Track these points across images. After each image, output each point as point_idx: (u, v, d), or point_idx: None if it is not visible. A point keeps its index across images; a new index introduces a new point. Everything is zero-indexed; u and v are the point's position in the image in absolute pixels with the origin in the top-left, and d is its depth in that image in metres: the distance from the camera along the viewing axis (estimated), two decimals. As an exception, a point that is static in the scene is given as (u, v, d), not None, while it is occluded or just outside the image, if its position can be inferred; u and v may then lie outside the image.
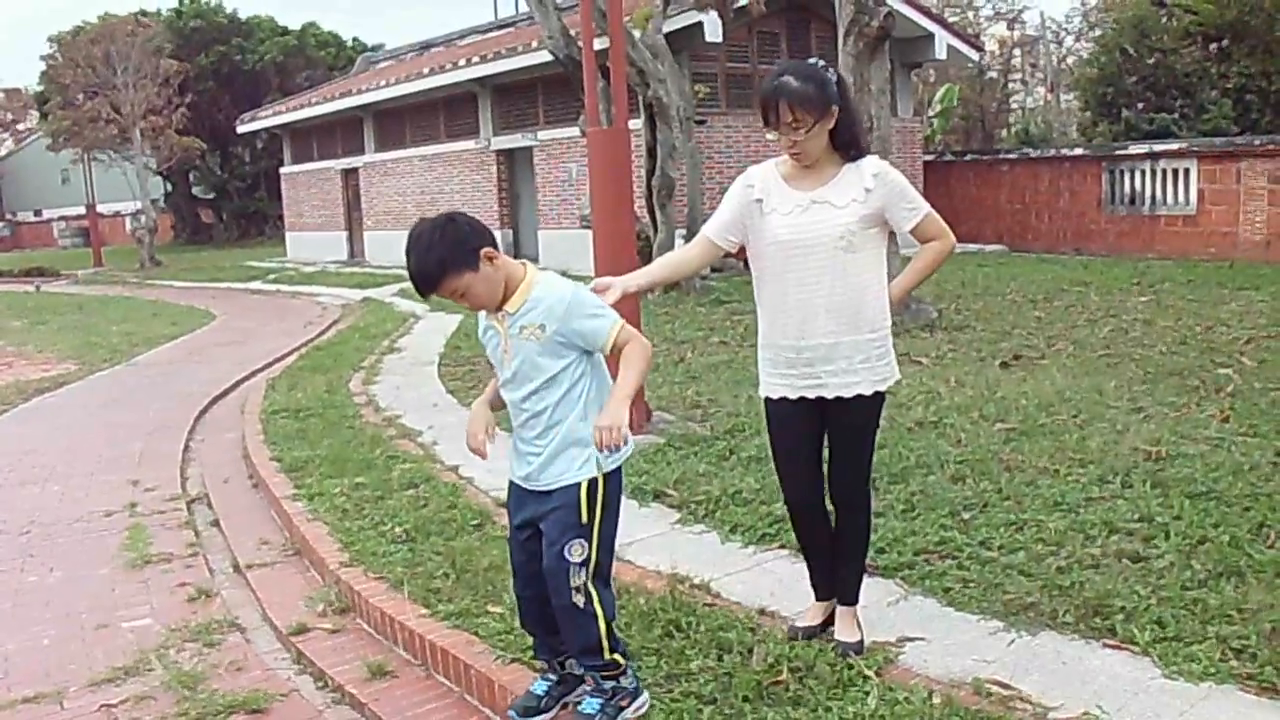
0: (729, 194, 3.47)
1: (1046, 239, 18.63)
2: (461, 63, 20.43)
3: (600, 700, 3.12)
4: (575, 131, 16.91)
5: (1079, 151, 18.41)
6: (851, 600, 3.56)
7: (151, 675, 4.01)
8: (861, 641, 3.47)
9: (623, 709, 3.13)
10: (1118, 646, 3.42)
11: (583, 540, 2.99)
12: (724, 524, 4.79)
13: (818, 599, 3.67)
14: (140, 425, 8.60)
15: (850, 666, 3.30)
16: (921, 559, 4.17)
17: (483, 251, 2.92)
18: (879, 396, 3.41)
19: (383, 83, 23.55)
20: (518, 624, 3.81)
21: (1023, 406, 6.46)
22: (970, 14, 39.32)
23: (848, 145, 3.30)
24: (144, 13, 35.09)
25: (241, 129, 30.73)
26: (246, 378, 10.64)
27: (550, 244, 19.49)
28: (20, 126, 54.50)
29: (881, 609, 3.77)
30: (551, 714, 3.24)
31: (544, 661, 3.29)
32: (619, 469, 3.11)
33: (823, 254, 3.26)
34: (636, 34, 13.10)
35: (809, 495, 3.54)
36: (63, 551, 5.57)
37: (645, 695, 3.18)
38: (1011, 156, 19.63)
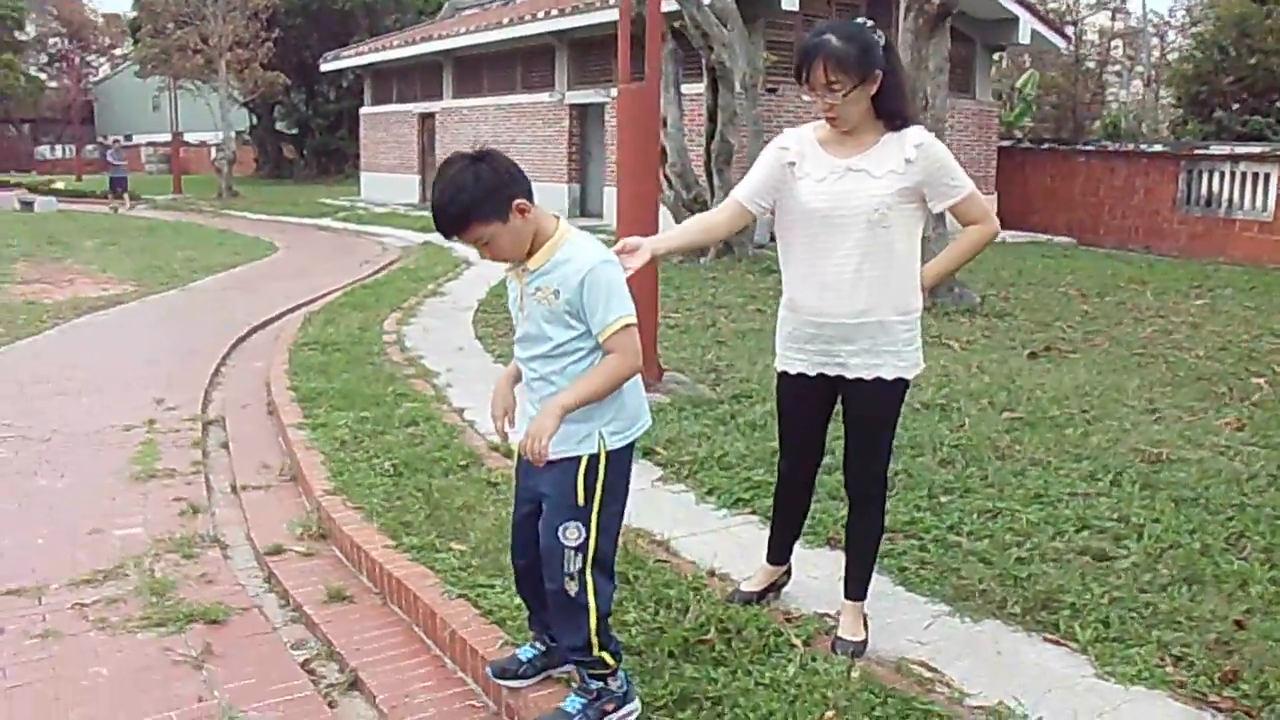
0: (762, 155, 3.31)
1: (1117, 234, 18.21)
2: (540, 15, 20.45)
3: (584, 700, 2.88)
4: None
5: (1158, 148, 17.94)
6: (859, 595, 3.38)
7: (127, 580, 4.16)
8: (865, 642, 3.28)
9: (607, 713, 2.87)
10: (1058, 642, 3.39)
11: (579, 524, 2.77)
12: (703, 485, 4.82)
13: (768, 561, 3.62)
14: (178, 348, 8.84)
15: (778, 634, 3.31)
16: (886, 537, 4.14)
17: (516, 203, 2.66)
18: (901, 383, 3.22)
19: (463, 30, 23.68)
20: (476, 562, 3.94)
21: (1036, 397, 6.38)
22: (1071, 1, 38.40)
23: (892, 114, 3.10)
24: (238, -54, 35.55)
25: (325, 67, 31.09)
26: (290, 310, 10.83)
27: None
28: (116, 52, 55.77)
29: (832, 581, 3.75)
30: (531, 681, 3.08)
31: (534, 632, 3.13)
32: (628, 447, 2.87)
33: (854, 225, 3.08)
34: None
35: (803, 471, 3.49)
36: (76, 460, 5.77)
37: (636, 704, 2.93)
38: (1089, 148, 19.17)
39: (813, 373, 3.25)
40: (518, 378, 2.95)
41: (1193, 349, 8.34)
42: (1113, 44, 40.57)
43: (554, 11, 20.08)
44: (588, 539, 2.78)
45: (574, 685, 2.96)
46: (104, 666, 3.50)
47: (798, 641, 3.28)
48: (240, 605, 3.97)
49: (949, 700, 3.00)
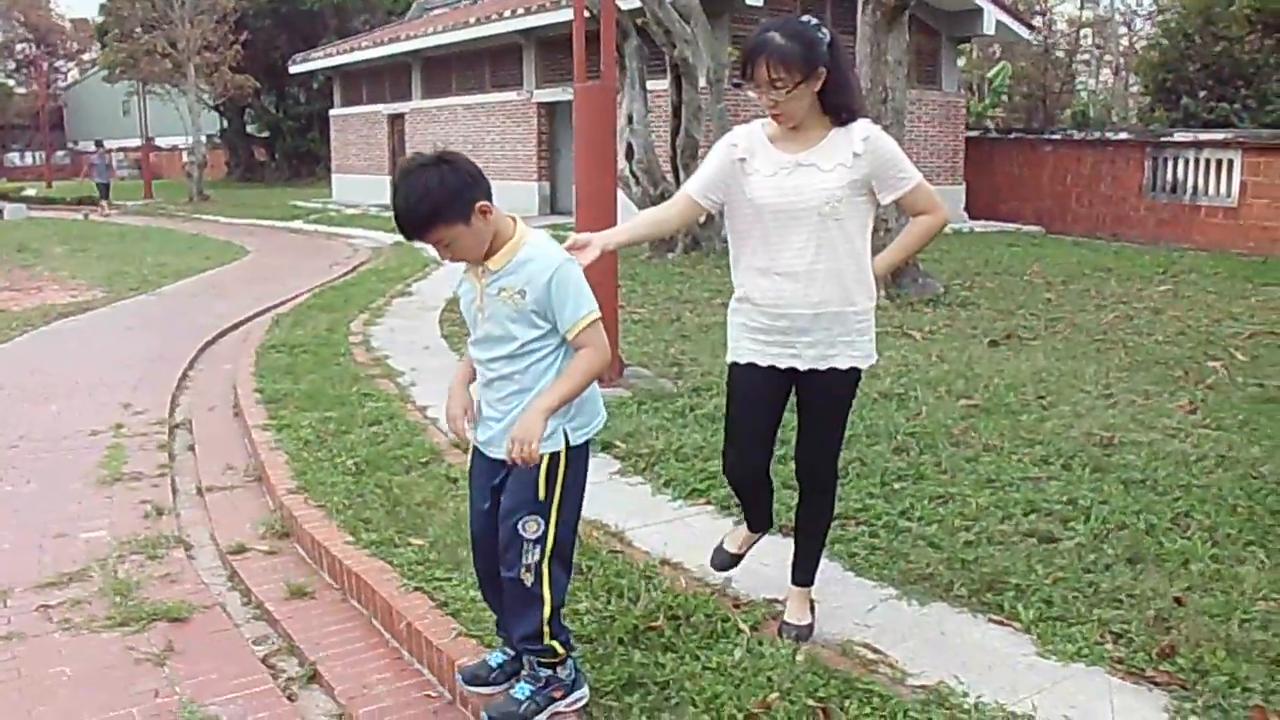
0: (712, 151, 3.32)
1: (1085, 223, 18.36)
2: (506, 14, 20.46)
3: (532, 687, 2.93)
4: (613, 88, 16.94)
5: (1123, 136, 18.09)
6: (806, 581, 3.44)
7: (91, 582, 4.20)
8: (811, 626, 3.36)
9: (554, 700, 2.93)
10: (1001, 622, 3.48)
11: (539, 517, 2.81)
12: (659, 477, 4.90)
13: (749, 530, 3.65)
14: (147, 353, 8.83)
15: (726, 619, 3.39)
16: (838, 524, 4.22)
17: (478, 204, 2.69)
18: (855, 373, 3.26)
19: (431, 30, 23.67)
20: (434, 556, 4.00)
21: (994, 384, 6.48)
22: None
23: (838, 109, 3.12)
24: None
25: (294, 69, 30.96)
26: (260, 313, 10.84)
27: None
28: (85, 57, 55.39)
29: (783, 568, 3.80)
30: (499, 688, 3.06)
31: (503, 636, 3.13)
32: (586, 444, 2.92)
33: (807, 219, 3.11)
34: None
35: (754, 470, 3.45)
36: (43, 466, 5.79)
37: (584, 690, 2.99)
38: (1055, 137, 19.33)
39: (764, 364, 3.26)
40: (472, 378, 2.98)
41: (1152, 334, 8.46)
42: (1082, 33, 40.87)
43: (520, 10, 20.10)
44: (546, 532, 2.82)
45: (523, 672, 2.99)
46: (67, 666, 3.55)
47: (745, 626, 3.35)
48: (203, 603, 4.02)
49: (891, 680, 3.08)
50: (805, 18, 3.15)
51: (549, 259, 2.76)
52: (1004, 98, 33.50)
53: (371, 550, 4.09)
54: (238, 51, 31.38)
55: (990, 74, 27.20)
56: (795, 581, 3.46)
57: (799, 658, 3.14)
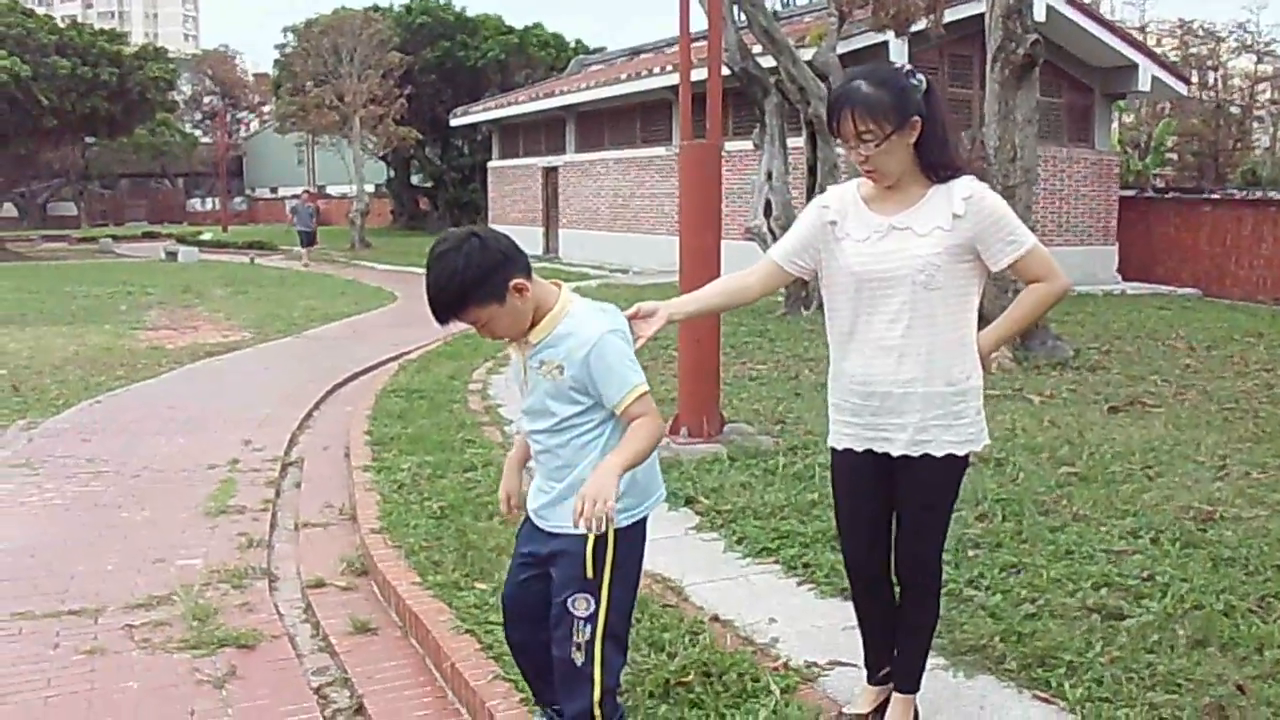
0: (802, 215, 3.10)
1: (1245, 286, 17.55)
2: (656, 70, 20.91)
3: None
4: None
5: (1287, 196, 17.29)
6: (910, 688, 3.14)
7: (175, 606, 4.46)
8: None
9: None
10: (1048, 700, 3.35)
11: (588, 596, 2.69)
12: (733, 534, 4.90)
13: (870, 682, 3.26)
14: (277, 392, 9.30)
15: (756, 679, 3.37)
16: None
17: (513, 283, 2.59)
18: (953, 461, 2.93)
19: (584, 85, 24.35)
20: (493, 601, 4.09)
21: (1100, 452, 6.25)
22: (1213, 44, 37.28)
23: (935, 166, 2.86)
24: (376, 8, 37.30)
25: (455, 122, 32.26)
26: (394, 358, 11.26)
27: (729, 253, 19.68)
28: (265, 109, 58.85)
29: (833, 633, 3.81)
30: None
31: (540, 705, 3.07)
32: (641, 523, 2.79)
33: (899, 288, 2.85)
34: (805, 53, 13.18)
35: (868, 563, 3.15)
36: (159, 496, 6.16)
37: None
38: (1214, 197, 18.60)
39: (860, 448, 3.01)
40: (527, 456, 2.90)
41: (1289, 406, 8.03)
42: (1258, 88, 39.18)
43: (669, 67, 20.50)
44: (597, 610, 2.70)
45: None
46: (136, 681, 3.79)
47: (776, 688, 3.32)
48: (272, 633, 4.21)
49: (915, 752, 3.02)
50: (897, 64, 2.94)
51: (589, 333, 2.63)
52: (1172, 156, 32.36)
53: (435, 591, 4.22)
54: (402, 105, 32.80)
55: (1158, 130, 26.36)
56: (899, 689, 3.14)
57: (821, 719, 3.11)
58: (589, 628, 2.70)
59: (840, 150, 3.05)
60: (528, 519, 2.87)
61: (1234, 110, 37.35)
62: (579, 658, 2.70)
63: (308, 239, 26.93)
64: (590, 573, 2.68)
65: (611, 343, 2.63)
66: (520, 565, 2.89)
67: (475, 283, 2.55)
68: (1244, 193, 18.59)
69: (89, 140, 44.41)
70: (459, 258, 2.55)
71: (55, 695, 3.68)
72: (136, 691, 3.71)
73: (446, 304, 2.59)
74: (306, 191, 31.26)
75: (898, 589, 3.14)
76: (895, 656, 3.16)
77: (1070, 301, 15.47)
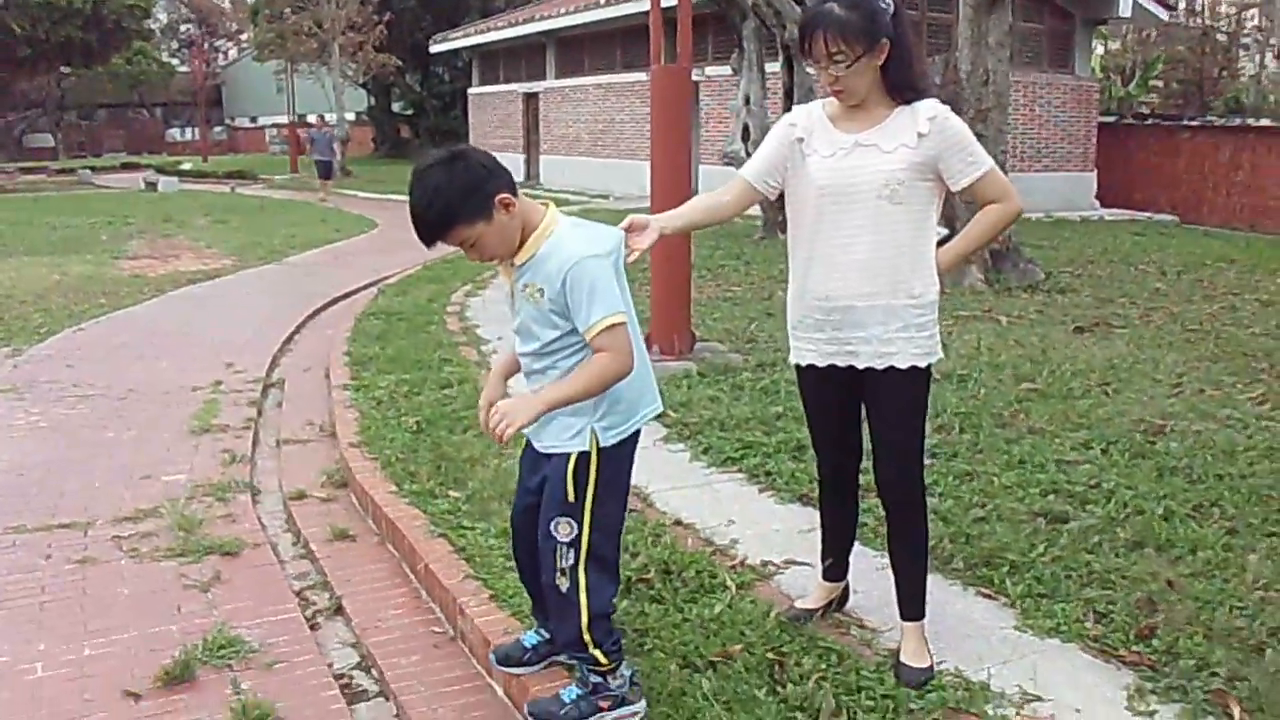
0: (770, 132, 3.13)
1: (1222, 213, 17.71)
2: (637, -7, 20.71)
3: (580, 691, 2.82)
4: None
5: (1265, 123, 17.36)
6: (915, 614, 3.11)
7: (162, 518, 4.62)
8: (931, 668, 3.02)
9: (600, 710, 2.79)
10: (990, 596, 3.54)
11: (570, 519, 2.68)
12: (699, 445, 5.08)
13: (824, 579, 3.40)
14: (259, 317, 9.41)
15: (714, 576, 3.56)
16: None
17: (498, 198, 2.53)
18: (918, 373, 2.98)
19: (564, 10, 24.13)
20: (465, 507, 4.27)
21: (1061, 370, 6.44)
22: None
23: (901, 86, 2.90)
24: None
25: (435, 49, 31.93)
26: (374, 283, 11.36)
27: (709, 178, 19.76)
28: (243, 37, 57.91)
29: (791, 535, 4.00)
30: (534, 669, 3.03)
31: (537, 619, 3.10)
32: (626, 442, 2.76)
33: (863, 203, 2.89)
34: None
35: (839, 472, 3.29)
36: (145, 416, 6.30)
37: (637, 708, 2.82)
38: (1193, 124, 18.66)
39: (823, 364, 3.06)
40: (514, 368, 2.89)
41: (1251, 327, 8.21)
42: (1246, 15, 38.93)
43: (649, -10, 20.30)
44: (580, 534, 2.69)
45: (576, 675, 2.91)
46: (126, 588, 3.96)
47: (731, 584, 3.52)
48: (255, 541, 4.39)
49: (859, 642, 3.20)
50: None
51: (568, 254, 2.56)
52: (1158, 83, 32.22)
53: (410, 499, 4.39)
54: (381, 31, 32.41)
55: (1151, 59, 26.26)
56: (905, 616, 3.13)
57: (772, 614, 3.29)
58: (572, 552, 2.69)
59: (812, 71, 3.09)
60: (527, 442, 2.87)
61: (1220, 38, 37.14)
62: (563, 583, 2.70)
63: (325, 170, 24.75)
64: (572, 495, 2.67)
65: (587, 267, 2.56)
66: (524, 493, 2.90)
67: (461, 197, 2.50)
68: (1223, 120, 18.64)
69: (64, 70, 43.76)
70: (442, 174, 2.51)
71: (50, 600, 3.85)
72: (127, 596, 3.88)
73: (432, 223, 2.53)
74: (321, 118, 28.91)
75: (883, 512, 3.23)
76: (897, 587, 3.17)
77: (1046, 226, 15.64)
